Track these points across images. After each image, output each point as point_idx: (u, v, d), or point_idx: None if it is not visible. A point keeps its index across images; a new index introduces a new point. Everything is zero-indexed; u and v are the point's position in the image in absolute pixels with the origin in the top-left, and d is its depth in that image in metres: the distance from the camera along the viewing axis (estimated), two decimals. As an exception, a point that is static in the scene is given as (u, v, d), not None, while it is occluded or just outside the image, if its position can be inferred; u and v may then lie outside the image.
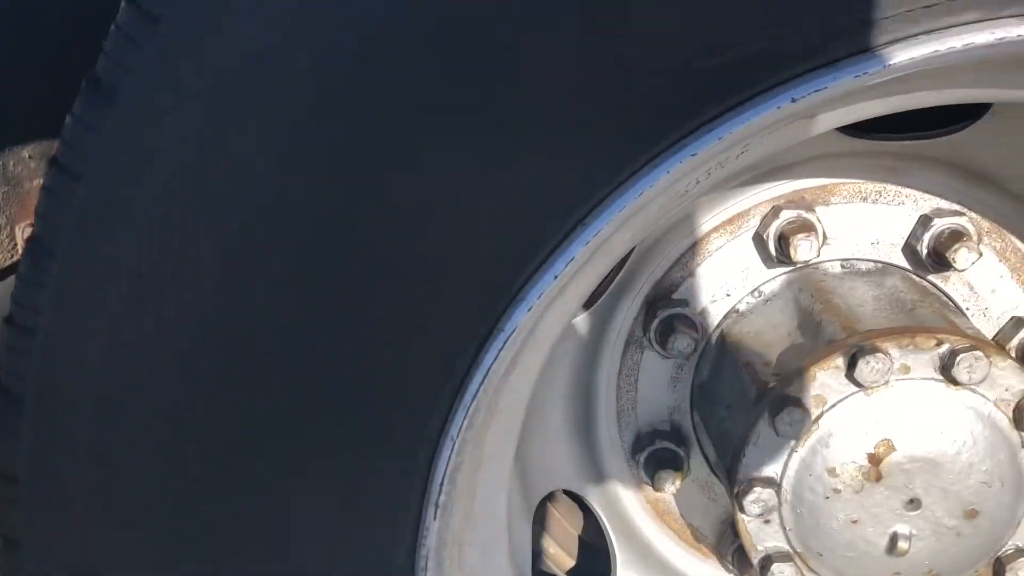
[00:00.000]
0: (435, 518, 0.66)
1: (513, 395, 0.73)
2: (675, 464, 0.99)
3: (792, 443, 0.83)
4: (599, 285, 1.00)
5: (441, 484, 0.65)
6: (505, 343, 0.62)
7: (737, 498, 0.85)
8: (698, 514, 1.06)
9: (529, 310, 0.61)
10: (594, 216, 0.60)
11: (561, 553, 1.22)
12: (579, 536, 1.23)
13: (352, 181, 0.60)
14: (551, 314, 0.70)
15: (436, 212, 0.61)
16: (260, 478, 0.66)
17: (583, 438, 1.02)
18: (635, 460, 1.02)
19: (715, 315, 0.98)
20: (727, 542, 1.06)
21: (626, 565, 1.06)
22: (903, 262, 0.97)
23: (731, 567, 1.07)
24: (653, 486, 1.00)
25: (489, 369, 0.63)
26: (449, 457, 0.64)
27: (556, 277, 0.60)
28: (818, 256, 0.93)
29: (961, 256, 0.90)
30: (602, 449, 1.02)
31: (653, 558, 1.07)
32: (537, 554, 1.19)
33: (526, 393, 0.76)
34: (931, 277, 0.97)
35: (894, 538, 0.83)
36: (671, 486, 0.98)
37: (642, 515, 1.06)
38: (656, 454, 1.00)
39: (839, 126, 0.75)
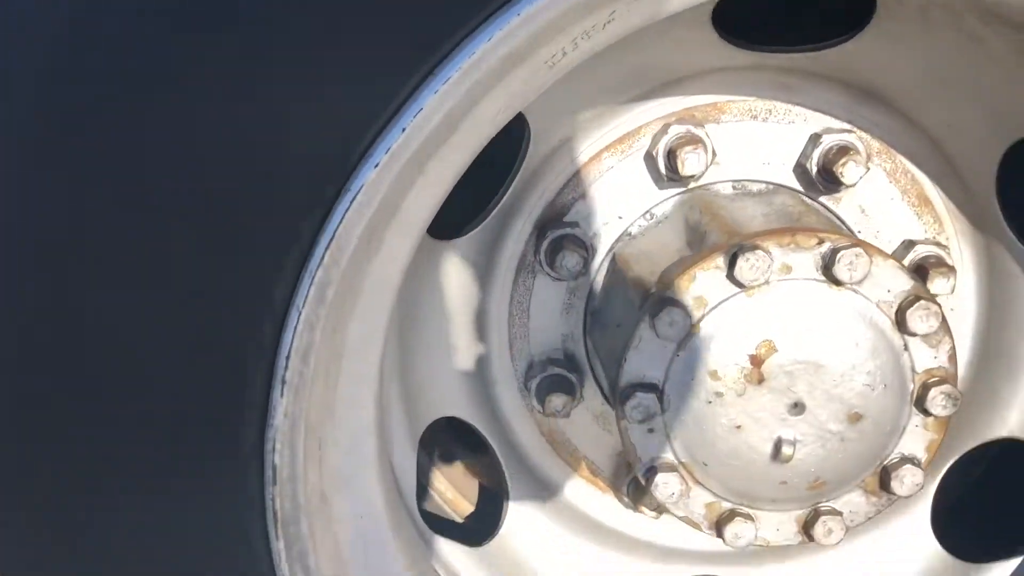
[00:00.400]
0: (282, 395, 0.62)
1: (377, 281, 0.69)
2: (568, 389, 0.97)
3: (673, 346, 0.81)
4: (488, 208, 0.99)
5: (288, 358, 0.61)
6: (351, 204, 0.59)
7: (620, 404, 0.82)
8: (593, 446, 1.03)
9: (376, 167, 0.58)
10: (441, 67, 0.57)
11: (460, 498, 1.19)
12: (480, 483, 1.20)
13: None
14: (415, 192, 0.68)
15: (277, 64, 0.58)
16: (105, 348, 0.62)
17: (474, 365, 0.99)
18: (528, 388, 0.99)
19: (607, 239, 0.96)
20: (622, 474, 1.04)
21: (519, 500, 1.03)
22: (794, 183, 0.96)
23: (627, 500, 1.04)
24: (544, 411, 0.97)
25: (335, 233, 0.59)
26: (295, 329, 0.61)
27: (404, 130, 0.58)
28: (706, 171, 0.92)
29: (849, 170, 0.90)
30: (494, 377, 0.99)
31: (548, 493, 1.04)
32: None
33: (394, 283, 0.72)
34: (823, 199, 0.96)
35: (778, 444, 0.81)
36: (563, 411, 0.96)
37: (537, 448, 1.03)
38: (548, 380, 0.98)
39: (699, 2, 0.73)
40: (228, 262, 0.60)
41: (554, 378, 0.98)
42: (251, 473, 0.63)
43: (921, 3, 0.86)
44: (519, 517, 1.02)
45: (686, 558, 1.05)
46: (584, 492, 1.04)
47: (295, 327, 0.61)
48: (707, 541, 1.04)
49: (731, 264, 0.79)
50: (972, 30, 0.86)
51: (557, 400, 0.95)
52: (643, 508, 1.03)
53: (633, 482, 1.02)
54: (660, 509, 1.03)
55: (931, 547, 1.04)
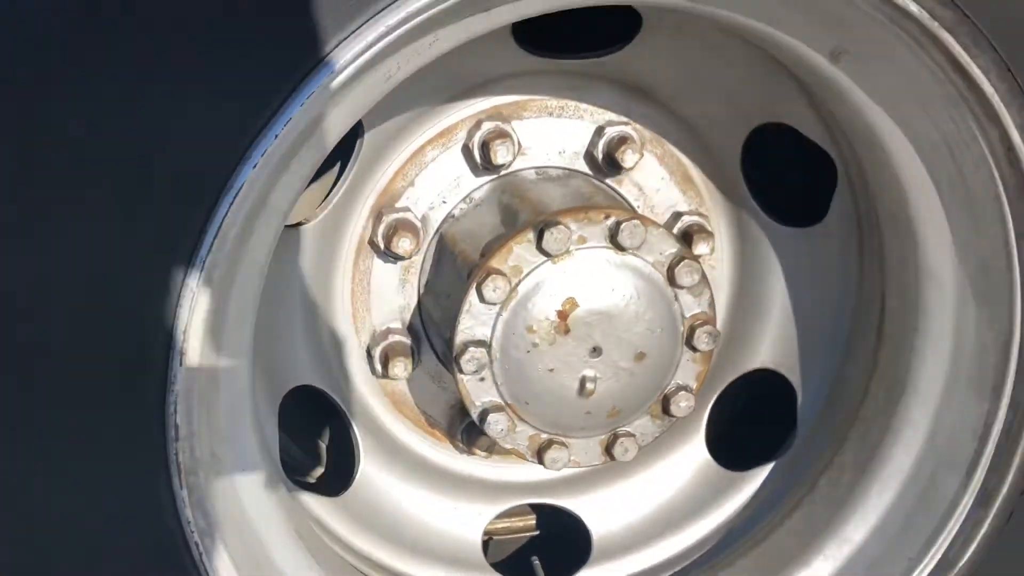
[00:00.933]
0: (180, 365, 0.73)
1: (250, 264, 0.81)
2: (406, 353, 1.12)
3: (497, 308, 0.98)
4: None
5: (184, 332, 0.73)
6: (234, 199, 0.71)
7: (455, 361, 0.98)
8: (430, 402, 1.19)
9: (254, 167, 0.71)
10: (306, 84, 0.71)
11: (315, 455, 1.32)
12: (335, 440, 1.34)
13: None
14: (280, 187, 0.80)
15: (177, 85, 0.69)
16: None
17: (324, 337, 1.12)
18: (371, 355, 1.13)
19: (434, 220, 1.12)
20: (456, 424, 1.21)
21: (368, 454, 1.18)
22: (585, 168, 1.15)
23: (461, 446, 1.21)
24: (388, 375, 1.12)
25: (222, 223, 0.72)
26: (191, 307, 0.73)
27: (276, 136, 0.71)
28: (514, 160, 1.10)
29: (627, 157, 1.10)
30: (341, 347, 1.13)
31: (392, 446, 1.19)
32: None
33: (261, 265, 0.85)
34: (608, 181, 1.16)
35: (583, 381, 1.00)
36: (403, 372, 1.11)
37: (381, 407, 1.18)
38: (389, 347, 1.13)
39: (515, 21, 0.90)
40: (132, 250, 0.71)
41: (395, 344, 1.13)
42: (156, 432, 0.75)
43: (676, 20, 1.07)
44: (369, 468, 1.17)
45: (512, 490, 1.24)
46: (423, 442, 1.20)
47: (190, 305, 0.73)
48: (529, 473, 1.24)
49: (539, 238, 0.97)
50: (715, 41, 1.09)
51: (398, 365, 1.10)
52: (476, 450, 1.20)
53: (467, 428, 1.19)
54: (491, 448, 1.21)
55: (708, 462, 1.28)
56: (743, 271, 1.22)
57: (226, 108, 0.70)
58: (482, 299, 0.97)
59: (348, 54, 0.71)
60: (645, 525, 1.25)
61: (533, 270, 0.98)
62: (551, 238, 0.96)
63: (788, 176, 1.23)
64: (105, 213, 0.70)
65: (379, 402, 1.17)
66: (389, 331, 1.14)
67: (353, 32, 0.71)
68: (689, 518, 1.25)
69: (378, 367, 1.13)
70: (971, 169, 0.92)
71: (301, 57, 0.70)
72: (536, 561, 1.23)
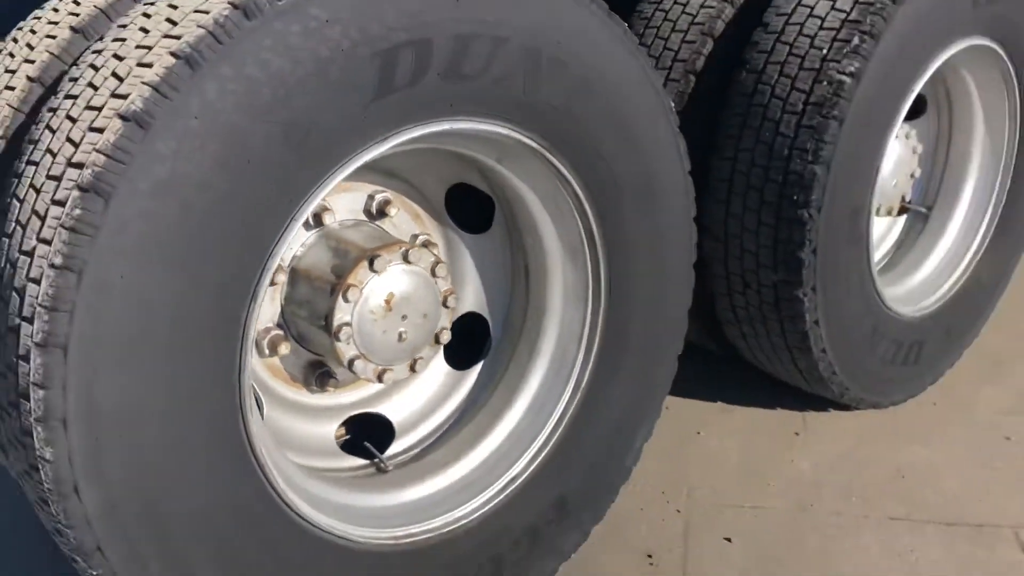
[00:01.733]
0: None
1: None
2: (282, 340, 1.91)
3: (353, 303, 1.84)
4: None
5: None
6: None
7: (335, 335, 1.83)
8: (292, 368, 2.01)
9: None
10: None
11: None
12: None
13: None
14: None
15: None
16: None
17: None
18: (258, 344, 1.92)
19: (287, 259, 1.93)
20: (310, 377, 2.04)
21: (268, 406, 1.97)
22: (366, 219, 2.04)
23: (315, 389, 2.05)
24: (273, 355, 1.92)
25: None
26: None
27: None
28: (326, 219, 1.95)
29: (390, 210, 2.01)
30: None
31: (278, 398, 2.00)
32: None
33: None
34: (378, 223, 2.06)
35: (400, 334, 1.91)
36: (285, 351, 1.92)
37: (271, 377, 1.98)
38: (270, 339, 1.92)
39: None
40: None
41: (273, 337, 1.92)
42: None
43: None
44: (268, 408, 1.97)
45: (346, 408, 2.12)
46: (291, 391, 2.02)
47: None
48: (353, 396, 2.12)
49: (371, 263, 1.85)
50: (435, 151, 2.03)
51: (281, 348, 1.90)
52: (326, 389, 2.05)
53: (317, 378, 2.02)
54: (334, 386, 2.06)
55: (447, 369, 2.25)
56: (453, 261, 2.20)
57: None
58: (346, 300, 1.83)
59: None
60: (420, 411, 2.20)
61: (369, 280, 1.86)
62: (377, 262, 1.85)
63: (468, 208, 2.23)
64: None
65: (270, 375, 1.97)
66: (268, 329, 1.94)
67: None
68: (443, 401, 2.22)
69: (266, 352, 1.93)
70: (561, 203, 1.99)
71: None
72: (367, 444, 2.12)
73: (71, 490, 1.40)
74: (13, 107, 1.61)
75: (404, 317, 1.91)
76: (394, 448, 2.15)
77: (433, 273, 1.95)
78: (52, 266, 1.33)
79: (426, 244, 2.08)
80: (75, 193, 1.33)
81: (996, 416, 2.99)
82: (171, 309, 1.43)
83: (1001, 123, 3.07)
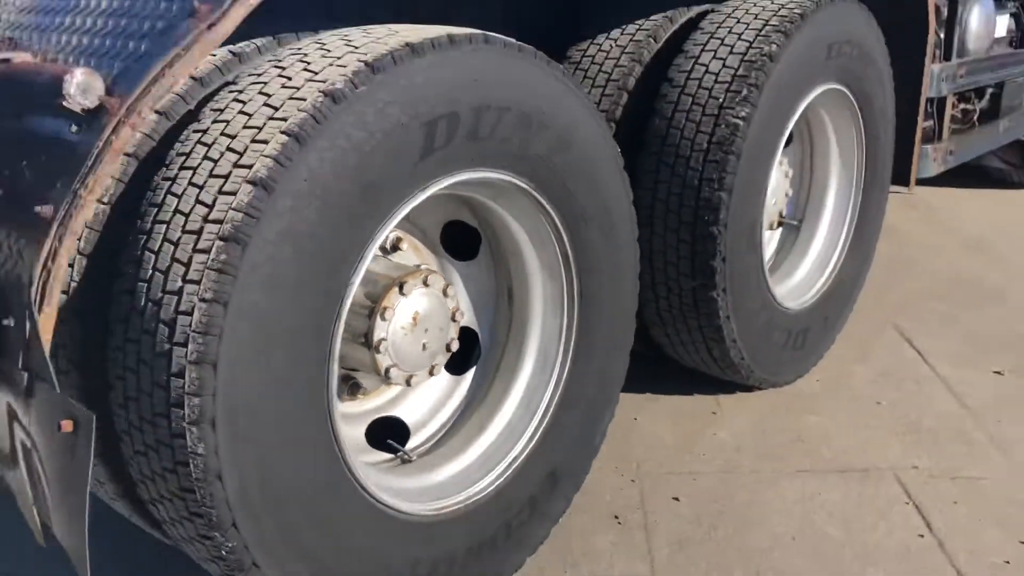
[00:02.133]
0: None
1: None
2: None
3: (388, 322, 2.27)
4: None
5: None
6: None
7: (375, 349, 2.25)
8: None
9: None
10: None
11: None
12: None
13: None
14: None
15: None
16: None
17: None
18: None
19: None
20: (342, 388, 2.44)
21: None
22: (381, 253, 2.48)
23: (346, 397, 2.45)
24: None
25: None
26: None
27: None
28: (362, 257, 2.38)
29: (401, 245, 2.46)
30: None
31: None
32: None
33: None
34: (391, 257, 2.50)
35: (424, 344, 2.35)
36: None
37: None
38: (319, 355, 2.32)
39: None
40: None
41: (319, 353, 2.33)
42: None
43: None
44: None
45: (370, 412, 2.53)
46: (334, 398, 2.42)
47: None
48: (375, 403, 2.53)
49: (400, 288, 2.29)
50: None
51: (328, 360, 2.32)
52: (357, 397, 2.46)
53: (348, 389, 2.43)
54: (363, 394, 2.46)
55: (449, 376, 2.70)
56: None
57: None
58: (383, 319, 2.27)
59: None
60: (428, 411, 2.64)
61: (399, 302, 2.29)
62: (405, 287, 2.29)
63: (460, 241, 2.69)
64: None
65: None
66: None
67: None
68: (445, 402, 2.67)
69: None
70: (543, 232, 2.49)
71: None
72: (391, 441, 2.54)
73: (215, 477, 1.78)
74: (115, 178, 1.95)
75: (426, 330, 2.36)
76: (412, 443, 2.58)
77: (444, 294, 2.41)
78: (203, 300, 1.72)
79: (431, 273, 2.53)
80: (218, 243, 1.73)
81: (867, 387, 3.68)
82: (286, 328, 1.84)
83: (851, 151, 3.79)
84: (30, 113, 1.69)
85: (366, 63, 1.89)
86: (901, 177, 4.17)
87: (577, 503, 2.75)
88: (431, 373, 2.43)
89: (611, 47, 3.24)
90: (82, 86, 1.56)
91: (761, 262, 3.31)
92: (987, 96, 5.19)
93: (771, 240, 3.89)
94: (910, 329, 4.20)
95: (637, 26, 3.26)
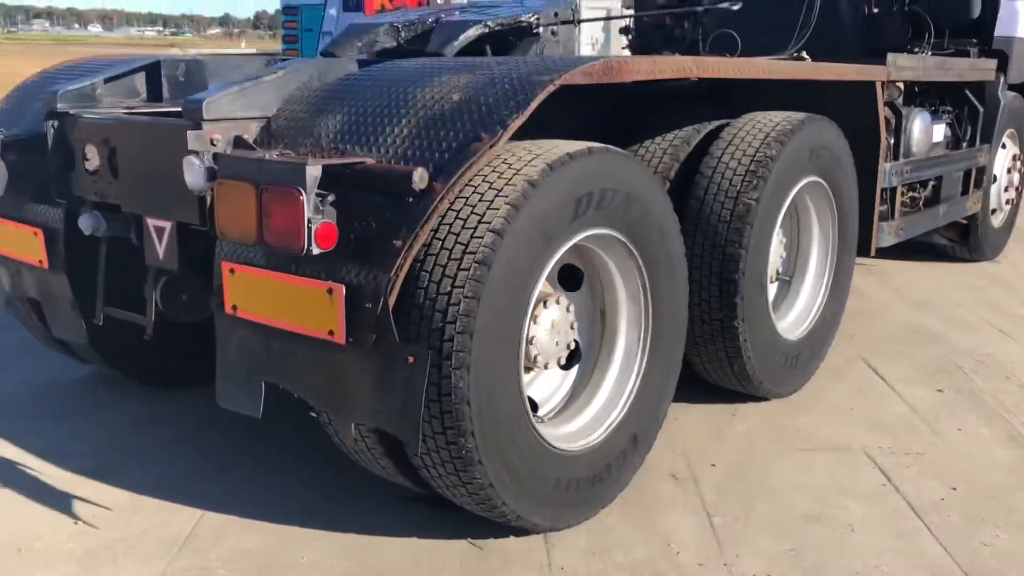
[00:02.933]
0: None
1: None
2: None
3: (539, 324, 3.53)
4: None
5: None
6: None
7: (528, 343, 3.50)
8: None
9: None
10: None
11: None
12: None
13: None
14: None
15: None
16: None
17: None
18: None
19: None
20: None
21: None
22: (524, 284, 3.76)
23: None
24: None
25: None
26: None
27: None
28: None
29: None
30: (479, 350, 3.56)
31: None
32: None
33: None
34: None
35: (556, 342, 3.61)
36: (496, 355, 3.58)
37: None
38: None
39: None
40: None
41: (490, 347, 3.58)
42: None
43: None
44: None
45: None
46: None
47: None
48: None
49: (543, 303, 3.55)
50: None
51: (497, 351, 3.58)
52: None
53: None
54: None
55: (562, 372, 3.95)
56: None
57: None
58: (535, 323, 3.53)
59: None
60: (549, 392, 3.87)
61: (543, 313, 3.56)
62: (547, 303, 3.56)
63: (572, 278, 3.96)
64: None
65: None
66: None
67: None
68: (558, 387, 3.91)
69: (484, 356, 3.58)
70: (630, 270, 3.78)
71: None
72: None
73: (465, 404, 3.02)
74: (432, 229, 3.23)
75: (557, 333, 3.62)
76: (541, 411, 3.81)
77: (567, 310, 3.69)
78: (465, 296, 2.98)
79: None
80: (474, 265, 2.99)
81: (844, 398, 4.98)
82: (506, 318, 3.10)
83: (827, 226, 5.16)
84: (385, 191, 2.94)
85: (547, 163, 3.21)
86: (864, 247, 5.54)
87: (644, 466, 3.98)
88: (558, 363, 3.69)
89: (656, 149, 4.59)
90: (420, 176, 2.84)
91: (767, 303, 4.63)
92: (930, 187, 6.63)
93: (772, 289, 5.22)
94: (874, 361, 5.52)
95: (675, 135, 4.63)
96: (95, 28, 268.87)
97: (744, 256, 4.31)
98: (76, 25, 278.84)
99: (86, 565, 3.35)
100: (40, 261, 4.23)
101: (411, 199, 2.88)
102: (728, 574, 3.31)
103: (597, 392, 3.86)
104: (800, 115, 4.68)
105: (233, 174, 3.01)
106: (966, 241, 7.65)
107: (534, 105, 3.01)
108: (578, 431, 3.72)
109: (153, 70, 4.41)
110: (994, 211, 7.95)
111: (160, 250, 3.66)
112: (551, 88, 3.08)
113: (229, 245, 3.23)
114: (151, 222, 3.66)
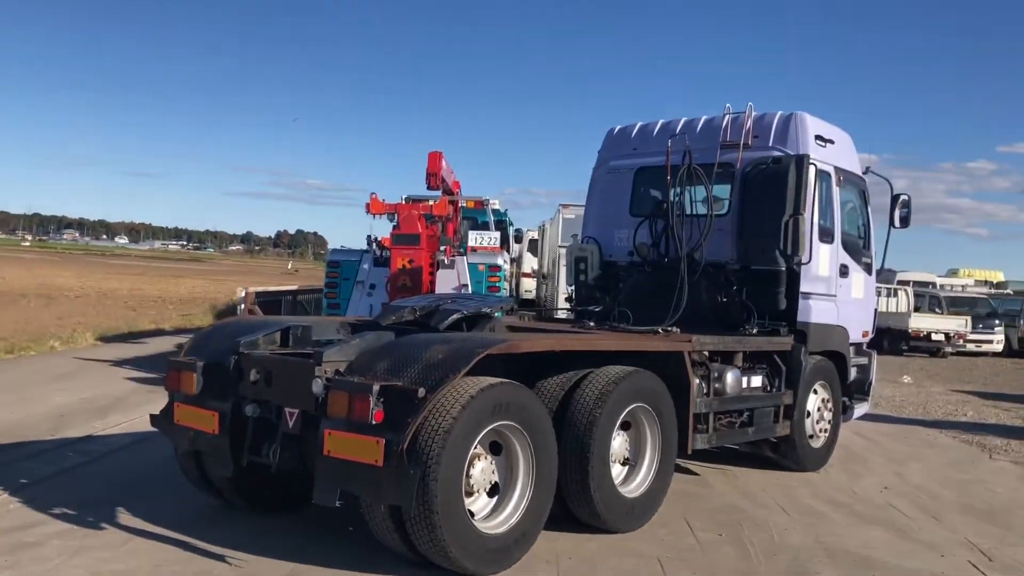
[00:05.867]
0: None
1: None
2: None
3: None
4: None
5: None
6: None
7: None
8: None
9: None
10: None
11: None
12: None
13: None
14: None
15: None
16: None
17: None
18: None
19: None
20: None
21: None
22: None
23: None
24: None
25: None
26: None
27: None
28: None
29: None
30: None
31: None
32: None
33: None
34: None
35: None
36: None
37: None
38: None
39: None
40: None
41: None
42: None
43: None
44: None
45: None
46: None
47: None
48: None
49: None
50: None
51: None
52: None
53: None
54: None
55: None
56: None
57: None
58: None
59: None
60: (486, 507, 7.44)
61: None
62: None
63: (497, 446, 7.62)
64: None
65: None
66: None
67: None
68: (488, 505, 7.47)
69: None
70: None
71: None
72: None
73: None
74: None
75: (483, 474, 7.27)
76: (477, 515, 7.36)
77: (491, 463, 7.36)
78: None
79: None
80: (443, 433, 6.72)
81: (650, 532, 8.49)
82: (460, 464, 6.80)
83: (655, 431, 8.90)
84: (404, 398, 6.71)
85: (480, 388, 7.02)
86: (683, 448, 9.21)
87: (528, 554, 7.47)
88: (485, 492, 7.30)
89: (550, 385, 8.39)
90: (421, 392, 6.65)
91: (610, 474, 8.25)
92: (745, 415, 10.40)
93: (619, 468, 8.83)
94: (692, 517, 9.06)
95: (561, 376, 8.41)
96: (122, 240, 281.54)
97: (592, 446, 7.99)
98: (104, 236, 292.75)
99: None
100: (212, 429, 7.89)
101: (416, 401, 6.67)
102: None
103: (506, 508, 7.44)
104: (630, 368, 8.51)
105: (338, 387, 6.85)
106: (782, 455, 11.31)
107: (474, 362, 6.88)
108: (496, 524, 7.27)
109: (285, 330, 8.34)
110: (812, 436, 11.65)
111: (290, 423, 7.42)
112: (481, 355, 6.95)
113: (329, 420, 6.97)
114: (287, 409, 7.45)
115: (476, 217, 23.61)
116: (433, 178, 16.68)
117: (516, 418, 7.24)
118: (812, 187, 11.05)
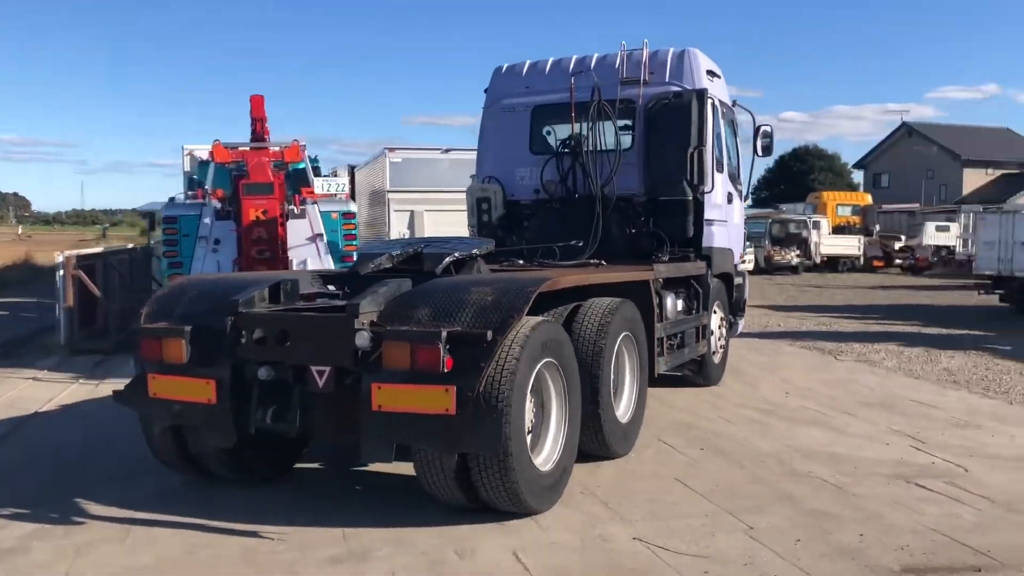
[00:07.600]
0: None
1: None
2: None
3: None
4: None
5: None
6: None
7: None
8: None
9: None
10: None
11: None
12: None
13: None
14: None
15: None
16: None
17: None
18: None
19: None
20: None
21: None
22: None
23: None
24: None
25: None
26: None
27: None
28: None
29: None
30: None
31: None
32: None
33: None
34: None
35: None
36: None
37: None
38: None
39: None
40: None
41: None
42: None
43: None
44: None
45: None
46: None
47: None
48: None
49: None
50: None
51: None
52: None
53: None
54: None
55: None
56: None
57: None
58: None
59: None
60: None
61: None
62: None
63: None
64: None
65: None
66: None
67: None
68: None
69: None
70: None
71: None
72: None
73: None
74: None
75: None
76: (518, 458, 7.30)
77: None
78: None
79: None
80: (509, 375, 6.57)
81: (636, 453, 8.86)
82: (522, 402, 6.68)
83: (635, 358, 9.20)
84: (471, 343, 6.43)
85: (532, 326, 6.91)
86: (651, 374, 9.59)
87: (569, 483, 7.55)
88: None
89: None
90: (490, 335, 6.41)
91: (611, 397, 8.45)
92: (679, 337, 10.97)
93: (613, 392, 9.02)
94: (665, 438, 9.50)
95: (554, 311, 8.45)
96: None
97: (601, 377, 8.14)
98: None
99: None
100: (208, 399, 7.10)
101: (485, 345, 6.44)
102: (614, 528, 6.92)
103: (545, 445, 7.42)
104: (617, 299, 8.70)
105: (394, 337, 6.44)
106: (696, 372, 12.11)
107: (532, 301, 6.73)
108: (542, 461, 7.24)
109: (275, 285, 7.65)
110: (715, 352, 12.52)
111: (321, 382, 6.87)
112: (535, 294, 6.82)
113: (379, 374, 6.54)
114: (314, 368, 6.89)
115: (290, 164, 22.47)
116: (260, 123, 15.71)
117: (555, 355, 7.22)
118: (709, 120, 11.63)
